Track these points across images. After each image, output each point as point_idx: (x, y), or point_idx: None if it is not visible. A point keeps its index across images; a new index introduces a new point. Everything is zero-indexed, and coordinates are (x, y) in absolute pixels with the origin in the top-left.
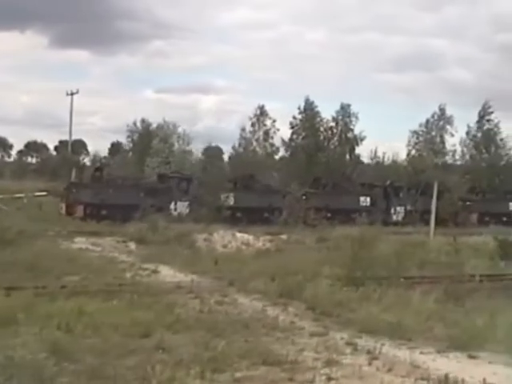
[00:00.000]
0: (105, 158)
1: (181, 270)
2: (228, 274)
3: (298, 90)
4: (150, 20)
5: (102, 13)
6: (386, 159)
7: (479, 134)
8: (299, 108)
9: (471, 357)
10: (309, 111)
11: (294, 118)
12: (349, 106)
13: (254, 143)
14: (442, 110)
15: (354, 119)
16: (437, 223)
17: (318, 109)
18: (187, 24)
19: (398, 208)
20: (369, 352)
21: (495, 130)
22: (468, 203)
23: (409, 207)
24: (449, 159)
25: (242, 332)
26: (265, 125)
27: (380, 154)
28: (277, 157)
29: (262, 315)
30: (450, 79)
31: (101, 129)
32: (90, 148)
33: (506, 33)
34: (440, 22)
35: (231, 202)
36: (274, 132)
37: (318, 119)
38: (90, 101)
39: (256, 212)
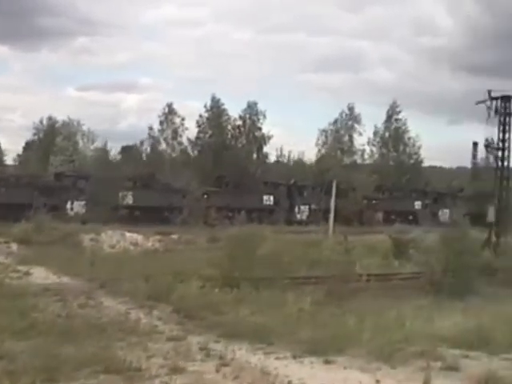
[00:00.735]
0: (18, 155)
1: (56, 272)
2: (103, 276)
3: (222, 88)
4: (74, 16)
5: (23, 8)
6: (291, 158)
7: (387, 133)
8: (205, 106)
9: (327, 362)
10: (215, 109)
11: (201, 116)
12: (256, 104)
13: (163, 142)
14: (351, 109)
15: (261, 117)
16: (341, 222)
17: (225, 107)
18: (113, 20)
19: (302, 207)
20: (221, 358)
21: (403, 128)
22: (374, 202)
23: (313, 206)
24: (358, 158)
25: (97, 337)
26: (173, 123)
27: (286, 152)
28: (184, 156)
29: (124, 319)
30: (372, 79)
31: (20, 126)
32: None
33: (426, 35)
34: (364, 23)
35: (130, 201)
36: (183, 130)
37: (226, 117)
38: (8, 97)
39: (155, 211)
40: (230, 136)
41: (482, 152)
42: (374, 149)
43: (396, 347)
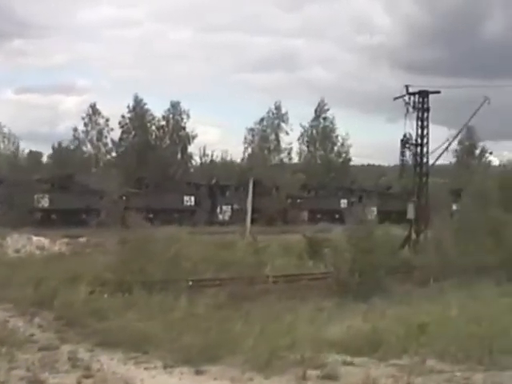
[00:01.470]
0: None
1: None
2: None
3: (161, 89)
4: (9, 18)
5: None
6: (214, 158)
7: (315, 132)
8: (128, 107)
9: (198, 372)
10: (138, 109)
11: (123, 117)
12: (178, 103)
13: (88, 143)
14: (278, 108)
15: (185, 117)
16: (264, 222)
17: (148, 107)
18: (48, 22)
19: (225, 207)
20: (87, 368)
21: (331, 126)
22: (298, 201)
23: (236, 206)
24: (284, 157)
25: None
26: (98, 124)
27: (209, 152)
28: (109, 157)
29: (1, 327)
30: (309, 79)
31: None
32: None
33: (364, 34)
34: (301, 22)
35: (46, 203)
36: (108, 131)
37: (150, 117)
38: None
39: (72, 214)
40: (154, 136)
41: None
42: (304, 147)
43: (277, 354)
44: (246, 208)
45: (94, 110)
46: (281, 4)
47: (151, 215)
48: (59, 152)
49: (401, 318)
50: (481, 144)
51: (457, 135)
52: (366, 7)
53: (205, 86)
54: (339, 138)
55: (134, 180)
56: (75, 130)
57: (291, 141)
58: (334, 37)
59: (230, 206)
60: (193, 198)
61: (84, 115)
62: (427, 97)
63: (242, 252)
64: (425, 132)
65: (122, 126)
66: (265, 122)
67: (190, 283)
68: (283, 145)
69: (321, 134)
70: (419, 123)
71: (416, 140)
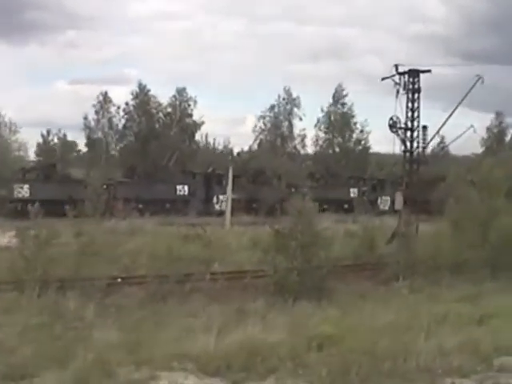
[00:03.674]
0: None
1: None
2: None
3: (213, 80)
4: (61, 10)
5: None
6: (216, 145)
7: (333, 118)
8: (132, 93)
9: None
10: (142, 96)
11: (127, 104)
12: (184, 89)
13: (99, 131)
14: (288, 92)
15: (192, 103)
16: (264, 212)
17: (152, 93)
18: (99, 14)
19: (222, 197)
20: None
21: (349, 113)
22: (305, 190)
23: (234, 196)
24: (298, 144)
25: None
26: (109, 112)
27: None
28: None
29: None
30: (362, 68)
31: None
32: None
33: (418, 23)
34: (351, 12)
35: (26, 194)
36: (119, 119)
37: (156, 104)
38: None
39: (53, 204)
40: (159, 124)
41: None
42: (321, 133)
43: (109, 371)
44: (246, 198)
45: (105, 98)
46: None
47: (141, 205)
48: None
49: (304, 328)
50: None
51: (448, 117)
52: None
53: (256, 75)
54: (358, 124)
55: (126, 168)
56: (85, 118)
57: (305, 127)
58: (386, 26)
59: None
60: (186, 188)
61: (95, 103)
62: (418, 76)
63: (202, 246)
64: (415, 115)
65: (126, 113)
66: (276, 109)
67: (119, 280)
68: (297, 131)
69: (339, 120)
70: (409, 105)
71: (406, 124)
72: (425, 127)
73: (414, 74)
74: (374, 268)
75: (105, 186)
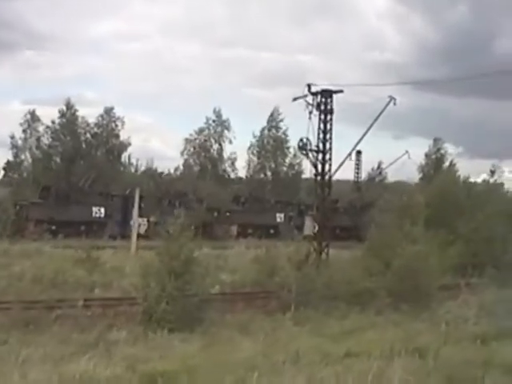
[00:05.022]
0: None
1: None
2: None
3: (170, 102)
4: (21, 29)
5: None
6: (139, 167)
7: (266, 142)
8: (59, 111)
9: None
10: (69, 116)
11: (53, 122)
12: (111, 109)
13: (27, 152)
14: (218, 113)
15: (119, 124)
16: None
17: (79, 113)
18: (59, 34)
19: (140, 220)
20: None
21: (283, 137)
22: (227, 214)
23: (152, 219)
24: (228, 167)
25: None
26: (37, 131)
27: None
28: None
29: None
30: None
31: None
32: None
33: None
34: (310, 39)
35: None
36: (48, 139)
37: (84, 124)
38: None
39: None
40: (86, 144)
41: (367, 163)
42: (254, 157)
43: None
44: (164, 221)
45: (33, 117)
46: (287, 20)
47: (54, 227)
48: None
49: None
50: (449, 157)
51: (359, 141)
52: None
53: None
54: (291, 149)
55: (40, 189)
56: (12, 137)
57: (235, 150)
58: (343, 54)
59: (146, 219)
60: (103, 210)
61: (22, 121)
62: (331, 97)
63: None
64: (327, 136)
65: (52, 133)
66: (206, 132)
67: None
68: (227, 154)
69: (273, 144)
70: (321, 126)
71: (317, 146)
72: (359, 152)
73: (327, 94)
74: (267, 296)
75: (17, 207)
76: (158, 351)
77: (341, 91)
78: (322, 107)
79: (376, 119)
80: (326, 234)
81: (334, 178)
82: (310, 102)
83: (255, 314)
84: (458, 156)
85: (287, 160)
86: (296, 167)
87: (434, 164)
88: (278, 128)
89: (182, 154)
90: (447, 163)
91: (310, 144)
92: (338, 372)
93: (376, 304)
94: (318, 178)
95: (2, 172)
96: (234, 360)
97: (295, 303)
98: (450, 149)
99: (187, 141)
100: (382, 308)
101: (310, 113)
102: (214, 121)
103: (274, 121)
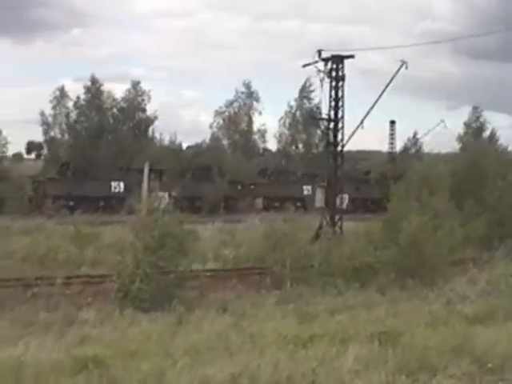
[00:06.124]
0: None
1: None
2: None
3: (216, 78)
4: (66, 8)
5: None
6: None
7: (298, 113)
8: (85, 87)
9: None
10: (94, 91)
11: (78, 98)
12: (138, 83)
13: (57, 128)
14: (247, 86)
15: (146, 98)
16: (206, 211)
17: (104, 87)
18: (103, 12)
19: (161, 194)
20: None
21: (314, 108)
22: (252, 187)
23: (174, 193)
24: (258, 139)
25: None
26: (66, 108)
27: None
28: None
29: None
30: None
31: (17, 120)
32: None
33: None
34: (359, 9)
35: None
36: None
37: (111, 99)
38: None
39: None
40: (111, 119)
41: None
42: (285, 129)
43: None
44: (188, 195)
45: (61, 93)
46: None
47: (71, 203)
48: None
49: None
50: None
51: (370, 109)
52: None
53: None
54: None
55: (59, 165)
56: (42, 114)
57: (264, 121)
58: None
59: (167, 193)
60: (122, 184)
61: (51, 98)
62: (342, 63)
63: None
64: (339, 104)
65: (77, 108)
66: (235, 104)
67: None
68: (257, 126)
69: (304, 116)
70: (333, 94)
71: (329, 114)
72: (393, 122)
73: (338, 60)
74: (263, 273)
75: (35, 184)
76: (118, 332)
77: (352, 56)
78: (333, 74)
79: (388, 84)
80: (337, 207)
81: (370, 148)
82: (322, 68)
83: (245, 292)
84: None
85: (319, 132)
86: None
87: (474, 133)
88: (309, 99)
89: (210, 126)
90: (488, 132)
91: (320, 112)
92: (281, 358)
93: (379, 280)
94: (331, 147)
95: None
96: (181, 344)
97: (290, 280)
98: (492, 116)
99: (216, 113)
100: (386, 285)
101: (321, 80)
102: (242, 93)
103: (305, 91)
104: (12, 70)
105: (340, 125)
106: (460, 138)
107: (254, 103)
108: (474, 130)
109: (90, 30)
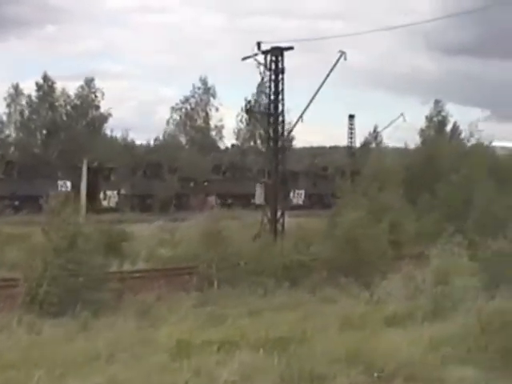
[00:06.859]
0: None
1: None
2: None
3: (194, 74)
4: (39, 4)
5: None
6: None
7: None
8: (37, 84)
9: None
10: (46, 88)
11: (29, 96)
12: (92, 80)
13: (12, 127)
14: (204, 82)
15: (99, 95)
16: (157, 209)
17: (57, 85)
18: (78, 7)
19: (109, 192)
20: None
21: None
22: (205, 184)
23: (123, 191)
24: (215, 136)
25: None
26: (21, 105)
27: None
28: None
29: None
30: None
31: None
32: None
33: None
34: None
35: None
36: (32, 113)
37: (65, 96)
38: None
39: None
40: (65, 116)
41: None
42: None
43: None
44: (138, 193)
45: (16, 91)
46: None
47: (17, 203)
48: None
49: None
50: (451, 119)
51: (310, 102)
52: None
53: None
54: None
55: (4, 164)
56: None
57: (220, 117)
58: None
59: (115, 191)
60: (69, 183)
61: (6, 96)
62: (281, 55)
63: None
64: (279, 97)
65: (29, 106)
66: (191, 100)
67: None
68: (214, 122)
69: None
70: (272, 87)
71: (268, 108)
72: (351, 116)
73: (277, 51)
74: (192, 272)
75: None
76: (12, 340)
77: (291, 48)
78: (273, 66)
79: (327, 76)
80: (280, 203)
81: (330, 144)
82: (262, 61)
83: (170, 293)
84: (486, 119)
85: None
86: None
87: (436, 127)
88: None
89: (167, 123)
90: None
91: (259, 106)
92: (156, 369)
93: (312, 279)
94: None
95: None
96: (65, 353)
97: (218, 280)
98: (458, 110)
99: (173, 109)
100: (319, 283)
101: (262, 73)
102: (199, 88)
103: (263, 86)
104: None
105: (280, 118)
106: (422, 132)
107: (211, 99)
108: (436, 124)
109: (63, 26)
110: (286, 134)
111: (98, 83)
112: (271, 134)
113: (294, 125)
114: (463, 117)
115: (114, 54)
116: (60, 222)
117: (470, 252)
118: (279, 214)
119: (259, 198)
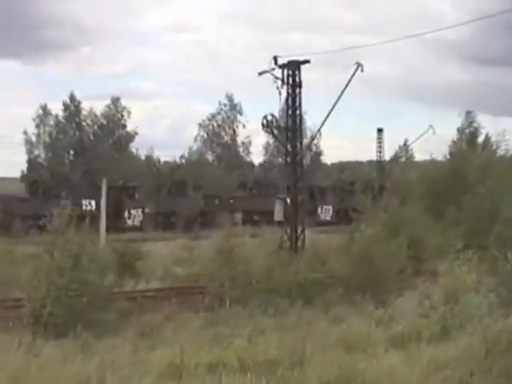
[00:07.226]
0: None
1: None
2: None
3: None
4: (73, 27)
5: (28, 22)
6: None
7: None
8: (64, 104)
9: None
10: (73, 108)
11: (57, 116)
12: (118, 99)
13: (41, 147)
14: (230, 99)
15: (125, 114)
16: (181, 227)
17: (83, 105)
18: (110, 29)
19: (133, 211)
20: None
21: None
22: (230, 201)
23: (147, 210)
24: (242, 152)
25: None
26: (50, 126)
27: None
28: None
29: None
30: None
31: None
32: None
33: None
34: (362, 19)
35: None
36: (59, 133)
37: (92, 116)
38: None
39: None
40: (91, 136)
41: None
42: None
43: None
44: (163, 211)
45: (44, 112)
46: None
47: (41, 222)
48: None
49: None
50: (483, 131)
51: (328, 114)
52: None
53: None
54: (307, 130)
55: (30, 184)
56: (25, 133)
57: (248, 134)
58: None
59: (140, 210)
60: (93, 202)
61: (34, 117)
62: (299, 69)
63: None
64: (297, 112)
65: (57, 126)
66: (219, 117)
67: None
68: (241, 139)
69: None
70: (289, 102)
71: (286, 123)
72: (380, 130)
73: (294, 65)
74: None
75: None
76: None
77: (308, 61)
78: (290, 80)
79: (344, 89)
80: (301, 219)
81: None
82: (279, 76)
83: (179, 313)
84: None
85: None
86: (314, 149)
87: (468, 139)
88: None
89: (195, 140)
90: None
91: (277, 121)
92: None
93: (326, 297)
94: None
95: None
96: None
97: (230, 299)
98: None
99: (200, 126)
100: (333, 301)
101: (279, 87)
102: (225, 105)
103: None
104: (22, 89)
105: (298, 133)
106: (453, 144)
107: (238, 116)
108: (468, 136)
109: (96, 47)
110: (304, 148)
111: (124, 102)
112: (289, 149)
113: (313, 139)
114: (495, 128)
115: (144, 72)
116: (64, 241)
117: (485, 267)
118: (299, 230)
119: (278, 214)
